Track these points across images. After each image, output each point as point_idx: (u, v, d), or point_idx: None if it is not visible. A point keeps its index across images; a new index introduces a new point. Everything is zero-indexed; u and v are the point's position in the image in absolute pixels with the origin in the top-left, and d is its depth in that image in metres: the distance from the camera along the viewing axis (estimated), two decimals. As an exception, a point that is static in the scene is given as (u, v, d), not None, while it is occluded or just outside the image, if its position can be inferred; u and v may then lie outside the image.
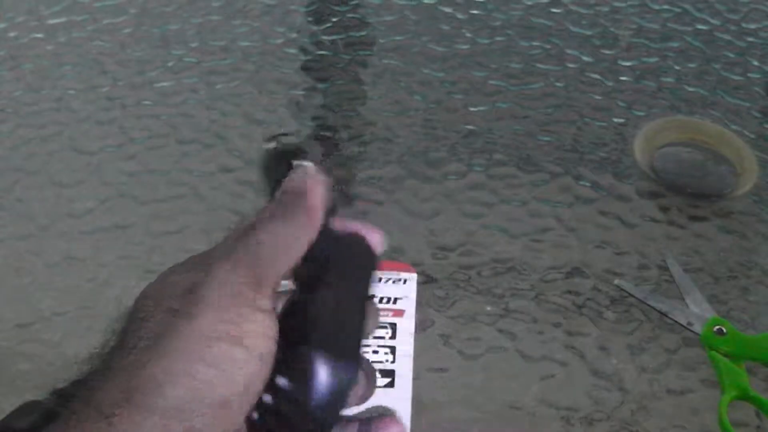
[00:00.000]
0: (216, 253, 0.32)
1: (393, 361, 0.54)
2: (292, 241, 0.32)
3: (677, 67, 0.77)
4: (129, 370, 0.28)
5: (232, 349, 0.29)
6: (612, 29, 0.81)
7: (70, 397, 0.29)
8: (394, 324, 0.54)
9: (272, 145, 0.36)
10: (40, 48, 0.80)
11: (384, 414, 0.36)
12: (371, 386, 0.36)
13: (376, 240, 0.36)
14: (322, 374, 0.30)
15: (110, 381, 0.28)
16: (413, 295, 0.57)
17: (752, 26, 0.82)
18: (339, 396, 0.30)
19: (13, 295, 0.59)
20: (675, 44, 0.80)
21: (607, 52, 0.79)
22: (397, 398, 0.52)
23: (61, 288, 0.60)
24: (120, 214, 0.65)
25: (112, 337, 0.31)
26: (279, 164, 0.35)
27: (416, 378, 0.53)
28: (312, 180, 0.34)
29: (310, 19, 0.83)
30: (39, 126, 0.72)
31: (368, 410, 0.36)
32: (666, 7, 0.84)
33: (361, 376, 0.32)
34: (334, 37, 0.80)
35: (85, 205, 0.65)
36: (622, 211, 0.65)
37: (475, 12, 0.83)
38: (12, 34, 0.81)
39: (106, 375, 0.29)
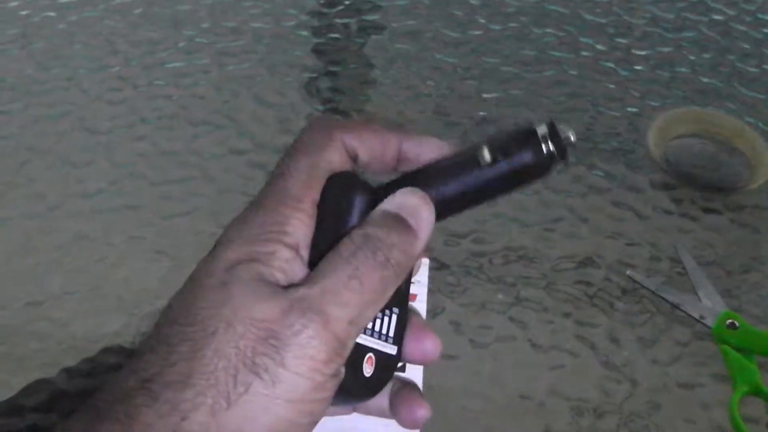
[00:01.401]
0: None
1: (403, 348, 0.53)
2: None
3: (692, 58, 0.77)
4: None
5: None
6: (626, 18, 0.81)
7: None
8: (406, 309, 0.54)
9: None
10: (52, 27, 0.79)
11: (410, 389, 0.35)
12: None
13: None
14: None
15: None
16: (425, 280, 0.57)
17: (768, 18, 0.82)
18: None
19: (23, 274, 0.59)
20: (690, 34, 0.79)
21: (622, 40, 0.78)
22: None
23: (70, 268, 0.60)
24: (130, 195, 0.64)
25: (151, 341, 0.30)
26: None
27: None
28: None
29: (322, 1, 0.82)
30: (49, 105, 0.71)
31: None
32: (681, -4, 0.83)
33: None
34: (346, 20, 0.80)
35: (96, 185, 0.65)
36: (634, 202, 0.64)
37: (489, -2, 0.82)
38: (24, 13, 0.81)
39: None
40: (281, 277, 0.30)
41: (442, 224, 0.63)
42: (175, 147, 0.68)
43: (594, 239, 0.62)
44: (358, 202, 0.33)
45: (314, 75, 0.75)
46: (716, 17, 0.81)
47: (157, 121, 0.70)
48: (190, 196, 0.64)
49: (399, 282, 0.31)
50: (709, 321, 0.57)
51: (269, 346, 0.28)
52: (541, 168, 0.34)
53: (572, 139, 0.34)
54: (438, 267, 0.59)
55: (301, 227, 0.31)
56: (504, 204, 0.64)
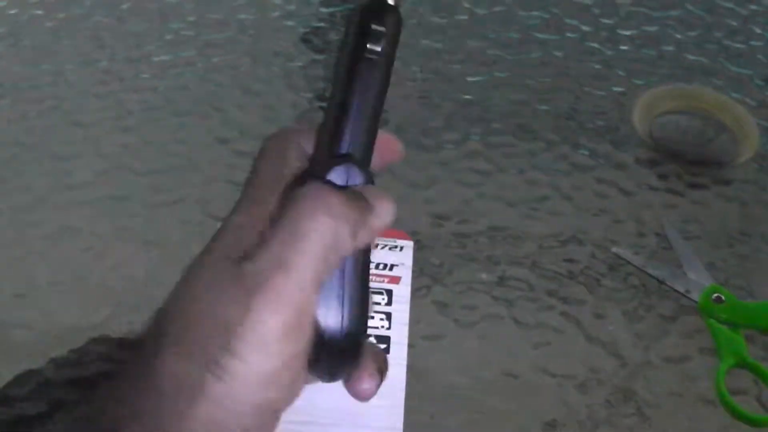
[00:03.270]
0: None
1: (389, 328, 0.54)
2: None
3: (678, 36, 0.77)
4: None
5: None
6: (612, -2, 0.81)
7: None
8: (390, 290, 0.54)
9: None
10: (40, 24, 0.79)
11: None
12: None
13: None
14: None
15: None
16: (409, 263, 0.57)
17: (756, -6, 0.81)
18: None
19: (10, 265, 0.60)
20: (676, 13, 0.79)
21: (607, 20, 0.78)
22: (392, 364, 0.52)
23: (57, 258, 0.60)
24: (117, 186, 0.65)
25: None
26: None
27: (412, 345, 0.53)
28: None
29: (307, -9, 0.82)
30: (37, 100, 0.72)
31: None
32: (667, -26, 0.83)
33: None
34: (331, 9, 0.80)
35: (83, 176, 0.65)
36: (619, 179, 0.64)
37: (474, -18, 0.82)
38: (12, 12, 0.81)
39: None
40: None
41: (427, 206, 0.63)
42: (162, 138, 0.68)
43: (579, 217, 0.62)
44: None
45: (300, 64, 0.75)
46: (703, -5, 0.81)
47: (144, 113, 0.70)
48: (176, 185, 0.65)
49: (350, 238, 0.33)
50: (695, 295, 0.56)
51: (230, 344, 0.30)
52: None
53: None
54: (422, 248, 0.59)
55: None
56: (488, 184, 0.64)
